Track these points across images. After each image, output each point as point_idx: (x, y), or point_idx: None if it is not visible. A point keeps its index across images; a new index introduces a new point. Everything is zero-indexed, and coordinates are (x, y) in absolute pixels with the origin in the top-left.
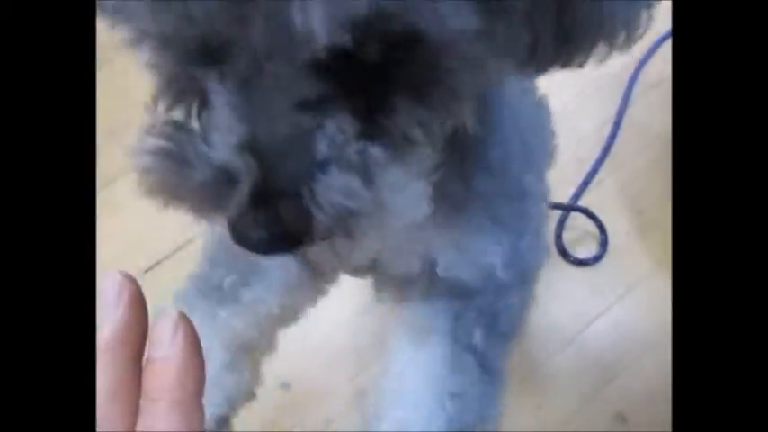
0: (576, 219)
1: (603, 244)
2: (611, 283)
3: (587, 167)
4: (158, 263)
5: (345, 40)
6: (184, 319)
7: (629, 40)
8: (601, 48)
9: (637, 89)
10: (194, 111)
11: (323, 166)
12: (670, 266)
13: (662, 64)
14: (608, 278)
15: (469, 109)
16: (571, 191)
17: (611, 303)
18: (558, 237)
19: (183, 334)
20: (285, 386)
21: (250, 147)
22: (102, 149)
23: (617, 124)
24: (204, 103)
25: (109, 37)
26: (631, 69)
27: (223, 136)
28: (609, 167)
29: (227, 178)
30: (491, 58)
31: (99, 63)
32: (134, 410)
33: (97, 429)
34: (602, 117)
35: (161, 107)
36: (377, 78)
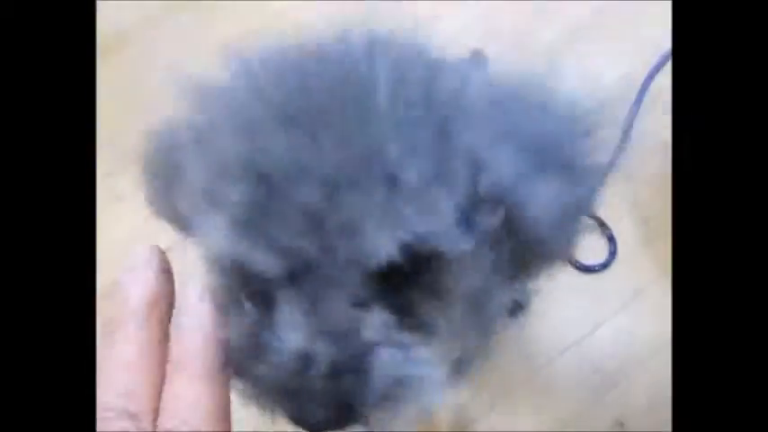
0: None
1: (612, 252)
2: (616, 291)
3: None
4: None
5: (397, 256)
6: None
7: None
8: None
9: (647, 98)
10: (260, 303)
11: (372, 347)
12: None
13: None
14: (613, 285)
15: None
16: None
17: (615, 311)
18: None
19: (212, 302)
20: None
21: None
22: (102, 144)
23: (626, 132)
24: (270, 298)
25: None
26: (642, 79)
27: (293, 330)
28: (616, 175)
29: (301, 361)
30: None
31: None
32: (161, 373)
33: (124, 395)
34: (612, 125)
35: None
36: (405, 282)
